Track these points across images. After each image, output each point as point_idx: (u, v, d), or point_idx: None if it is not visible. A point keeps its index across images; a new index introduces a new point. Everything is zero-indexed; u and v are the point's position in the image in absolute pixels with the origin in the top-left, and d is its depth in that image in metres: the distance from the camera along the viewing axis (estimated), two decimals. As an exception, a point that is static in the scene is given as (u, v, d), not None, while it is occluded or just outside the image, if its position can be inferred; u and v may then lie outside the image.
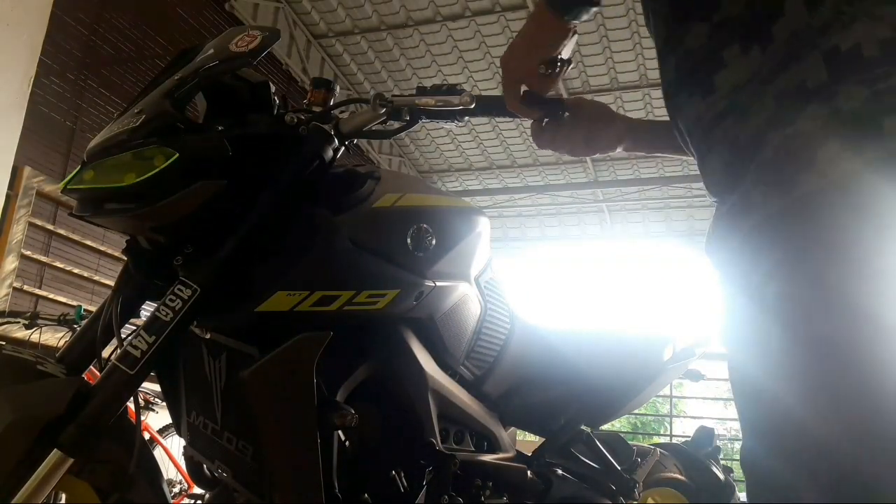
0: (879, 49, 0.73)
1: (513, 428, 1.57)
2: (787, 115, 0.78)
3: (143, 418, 3.57)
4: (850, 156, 0.73)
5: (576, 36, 1.00)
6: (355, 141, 1.27)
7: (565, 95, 5.57)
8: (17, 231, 4.19)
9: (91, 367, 1.11)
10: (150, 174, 0.98)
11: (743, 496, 1.73)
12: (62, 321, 2.99)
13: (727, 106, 0.84)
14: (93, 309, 1.65)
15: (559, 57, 0.99)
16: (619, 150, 1.18)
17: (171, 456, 3.97)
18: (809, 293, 0.71)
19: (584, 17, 0.93)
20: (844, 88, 0.74)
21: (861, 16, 0.74)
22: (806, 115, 0.77)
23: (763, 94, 0.80)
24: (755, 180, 0.81)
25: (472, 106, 1.14)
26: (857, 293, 0.69)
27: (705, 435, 2.14)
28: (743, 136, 0.82)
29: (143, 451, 1.04)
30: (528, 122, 1.15)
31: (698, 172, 0.91)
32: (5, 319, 3.26)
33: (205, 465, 1.27)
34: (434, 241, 1.20)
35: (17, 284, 4.22)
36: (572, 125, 1.13)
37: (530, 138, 1.19)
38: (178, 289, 1.00)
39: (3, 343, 2.19)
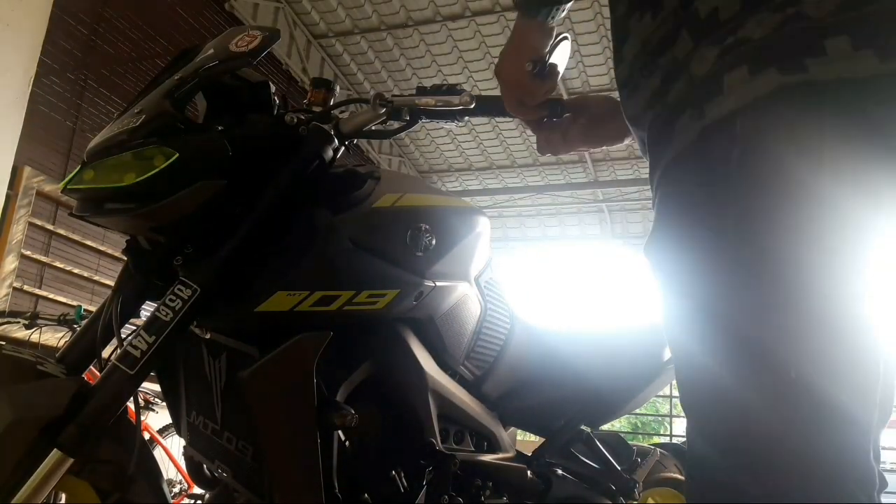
0: (740, 3, 0.72)
1: (513, 428, 1.57)
2: (654, 90, 0.79)
3: (143, 418, 3.57)
4: (693, 123, 0.72)
5: (566, 41, 1.02)
6: (355, 141, 1.27)
7: (565, 96, 5.58)
8: (17, 231, 4.19)
9: (91, 367, 1.11)
10: (150, 174, 0.98)
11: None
12: (62, 321, 2.98)
13: (626, 76, 0.86)
14: (93, 309, 1.65)
15: (547, 58, 1.00)
16: (626, 142, 1.18)
17: (171, 456, 3.97)
18: (716, 275, 0.71)
19: (558, 16, 0.95)
20: (698, 53, 0.74)
21: None
22: (674, 89, 0.77)
23: (651, 70, 0.81)
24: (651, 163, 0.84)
25: (472, 106, 1.14)
26: (762, 272, 0.68)
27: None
28: (631, 113, 0.85)
29: (143, 451, 1.04)
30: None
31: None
32: (5, 319, 3.26)
33: (205, 465, 1.27)
34: (434, 241, 1.20)
35: (17, 284, 4.22)
36: (573, 123, 1.13)
37: (530, 138, 1.20)
38: (178, 289, 1.00)
39: (3, 343, 2.18)
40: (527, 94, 1.04)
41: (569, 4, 0.94)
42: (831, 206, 0.65)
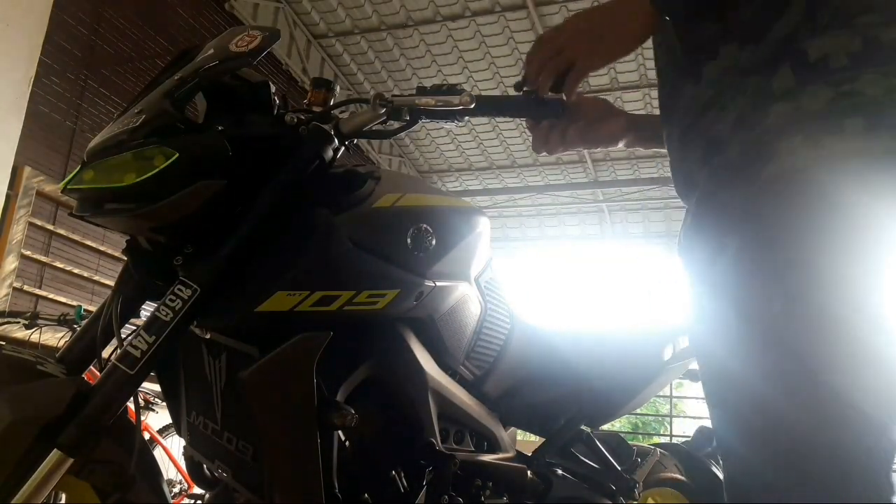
0: (847, 59, 0.77)
1: (513, 428, 1.57)
2: (755, 115, 0.82)
3: (143, 418, 3.57)
4: (810, 146, 0.76)
5: None
6: (355, 141, 1.27)
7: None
8: (17, 231, 4.19)
9: (91, 367, 1.11)
10: (150, 174, 0.97)
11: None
12: (62, 321, 2.98)
13: (711, 97, 0.88)
14: (93, 309, 1.65)
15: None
16: (620, 145, 1.18)
17: (171, 456, 3.98)
18: (764, 282, 0.75)
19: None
20: (811, 89, 0.78)
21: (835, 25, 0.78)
22: (771, 114, 0.80)
23: (744, 95, 0.84)
24: (717, 177, 0.85)
25: (472, 106, 1.14)
26: (808, 282, 0.73)
27: (705, 435, 2.14)
28: (714, 134, 0.86)
29: (143, 451, 1.04)
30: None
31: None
32: (5, 319, 3.26)
33: (205, 465, 1.27)
34: (434, 241, 1.20)
35: (17, 284, 4.22)
36: (571, 123, 1.14)
37: (530, 138, 1.20)
38: (178, 289, 0.99)
39: (3, 343, 2.18)
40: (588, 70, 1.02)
41: None
42: (863, 217, 0.71)
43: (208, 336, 1.12)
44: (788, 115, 0.79)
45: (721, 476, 0.78)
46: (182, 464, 3.59)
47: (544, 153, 1.17)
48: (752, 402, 0.73)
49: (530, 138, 1.19)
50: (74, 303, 4.08)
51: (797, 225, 0.76)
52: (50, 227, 4.47)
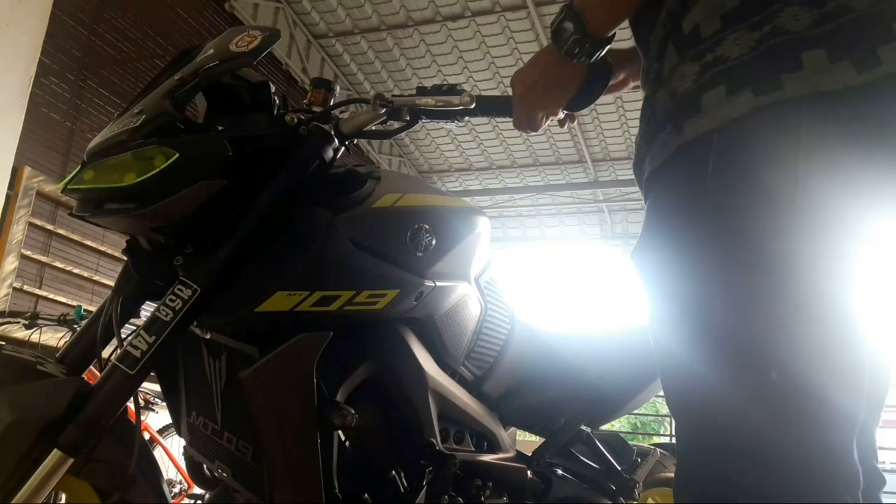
0: (720, 21, 0.73)
1: (513, 428, 1.57)
2: (650, 104, 0.82)
3: (143, 418, 3.57)
4: (674, 135, 0.75)
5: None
6: (355, 141, 1.27)
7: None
8: (17, 231, 4.19)
9: (91, 367, 1.11)
10: (150, 174, 0.97)
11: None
12: (62, 321, 2.98)
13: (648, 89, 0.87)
14: (93, 309, 1.65)
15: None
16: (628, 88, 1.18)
17: (171, 456, 3.97)
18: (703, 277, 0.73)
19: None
20: (680, 69, 0.76)
21: None
22: (658, 102, 0.79)
23: (651, 87, 0.84)
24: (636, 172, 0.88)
25: (472, 106, 1.14)
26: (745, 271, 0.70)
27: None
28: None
29: (143, 451, 1.04)
30: None
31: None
32: (5, 319, 3.26)
33: (205, 465, 1.27)
34: (434, 242, 1.20)
35: (17, 284, 4.22)
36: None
37: (531, 138, 1.20)
38: (178, 289, 0.99)
39: (3, 343, 2.18)
40: (543, 119, 1.07)
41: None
42: (808, 210, 0.67)
43: (208, 336, 1.12)
44: (666, 103, 0.77)
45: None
46: (182, 464, 3.59)
47: (548, 151, 1.18)
48: (712, 401, 0.69)
49: (531, 138, 1.20)
50: (74, 303, 4.08)
51: (670, 226, 0.75)
52: (50, 227, 4.47)
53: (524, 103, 1.02)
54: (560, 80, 0.97)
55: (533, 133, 1.11)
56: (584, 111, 1.24)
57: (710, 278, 0.71)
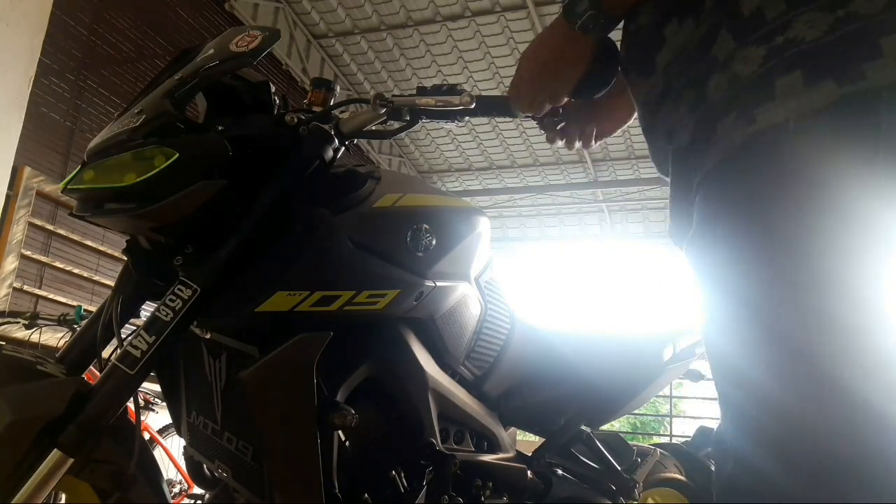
0: (785, 2, 0.70)
1: (513, 428, 1.57)
2: (699, 91, 0.77)
3: (143, 418, 3.57)
4: (743, 124, 0.71)
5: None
6: (355, 141, 1.27)
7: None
8: (17, 231, 4.19)
9: (91, 367, 1.11)
10: (150, 174, 0.97)
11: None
12: (62, 321, 2.98)
13: (663, 88, 0.84)
14: (93, 309, 1.65)
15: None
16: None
17: (171, 456, 3.97)
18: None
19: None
20: (743, 53, 0.72)
21: None
22: (710, 87, 0.75)
23: (691, 75, 0.79)
24: (676, 166, 0.83)
25: (472, 106, 1.14)
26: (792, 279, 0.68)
27: (705, 435, 2.14)
28: (671, 125, 0.83)
29: (143, 451, 1.04)
30: (528, 123, 1.16)
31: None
32: (5, 319, 3.26)
33: (205, 465, 1.27)
34: (434, 242, 1.20)
35: (17, 284, 4.22)
36: (581, 124, 1.14)
37: (531, 138, 1.20)
38: (178, 289, 0.99)
39: (3, 343, 2.18)
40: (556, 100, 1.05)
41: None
42: (884, 213, 0.65)
43: (208, 336, 1.12)
44: (724, 88, 0.73)
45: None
46: (182, 464, 3.58)
47: (547, 151, 1.18)
48: (764, 404, 0.68)
49: (531, 138, 1.20)
50: (74, 303, 4.07)
51: (741, 219, 0.71)
52: (50, 227, 4.47)
53: (533, 80, 1.00)
54: (568, 57, 0.96)
55: (530, 115, 1.09)
56: (595, 146, 1.24)
57: (775, 273, 0.69)
